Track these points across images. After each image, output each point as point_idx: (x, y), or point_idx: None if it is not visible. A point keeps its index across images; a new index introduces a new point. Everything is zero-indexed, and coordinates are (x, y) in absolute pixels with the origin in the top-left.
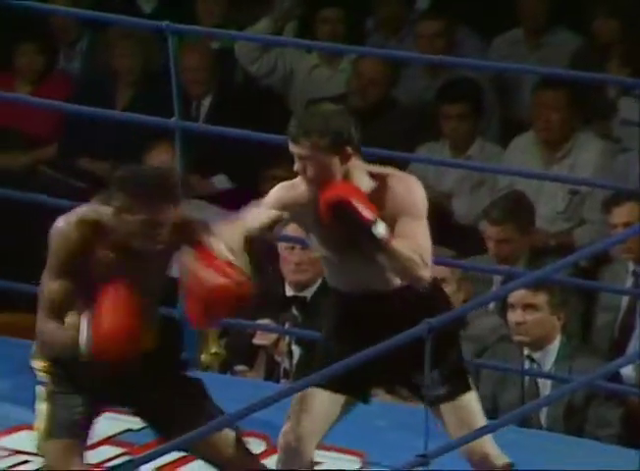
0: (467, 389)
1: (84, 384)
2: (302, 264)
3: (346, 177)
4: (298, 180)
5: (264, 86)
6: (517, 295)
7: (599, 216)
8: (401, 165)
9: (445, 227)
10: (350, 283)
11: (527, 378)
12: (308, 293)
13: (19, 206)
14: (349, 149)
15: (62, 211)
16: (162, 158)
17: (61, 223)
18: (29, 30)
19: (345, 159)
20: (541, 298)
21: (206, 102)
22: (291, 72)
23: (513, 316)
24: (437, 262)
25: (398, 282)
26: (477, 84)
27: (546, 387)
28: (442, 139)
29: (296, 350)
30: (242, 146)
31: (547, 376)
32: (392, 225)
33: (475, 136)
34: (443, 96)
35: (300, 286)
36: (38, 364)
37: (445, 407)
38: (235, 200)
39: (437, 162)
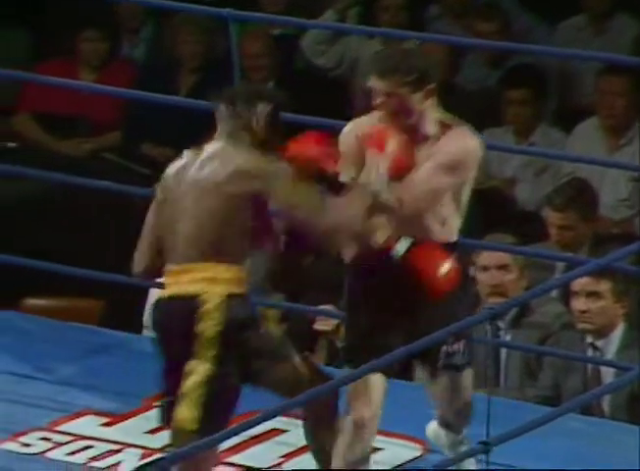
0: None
1: None
2: None
3: (420, 117)
4: (368, 117)
5: (325, 74)
6: (581, 283)
7: None
8: None
9: (508, 213)
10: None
11: (590, 366)
12: None
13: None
14: (431, 87)
15: (125, 197)
16: None
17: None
18: (93, 17)
19: (426, 97)
20: (604, 286)
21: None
22: (356, 59)
23: (577, 304)
24: (500, 249)
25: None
26: (540, 70)
27: (609, 374)
28: (505, 125)
29: None
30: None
31: (610, 364)
32: None
33: (538, 122)
34: (506, 81)
35: None
36: None
37: (452, 376)
38: None
39: (500, 148)
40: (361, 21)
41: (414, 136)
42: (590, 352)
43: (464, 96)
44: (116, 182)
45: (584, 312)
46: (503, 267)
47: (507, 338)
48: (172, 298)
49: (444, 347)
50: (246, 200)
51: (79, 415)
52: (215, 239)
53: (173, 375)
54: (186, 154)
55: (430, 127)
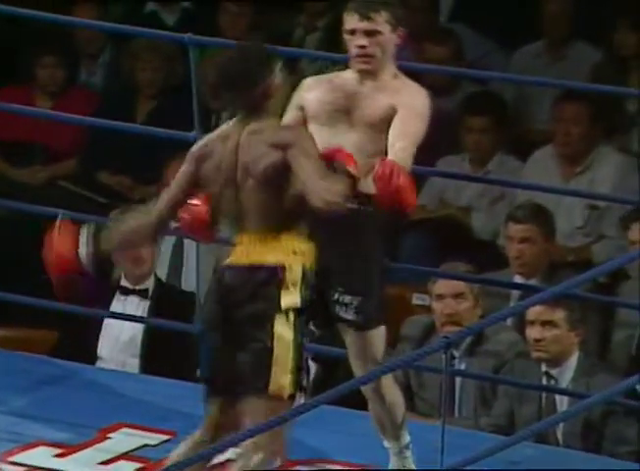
0: (379, 323)
1: None
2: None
3: (389, 60)
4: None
5: None
6: (536, 312)
7: (617, 231)
8: (421, 178)
9: (463, 241)
10: None
11: (544, 394)
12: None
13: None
14: (402, 31)
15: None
16: None
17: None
18: (50, 43)
19: (399, 40)
20: (559, 315)
21: (226, 115)
22: None
23: (532, 332)
24: (454, 277)
25: None
26: (501, 97)
27: (563, 403)
28: (462, 153)
29: (313, 366)
30: None
31: (564, 392)
32: (391, 114)
33: (496, 150)
34: (466, 108)
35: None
36: None
37: (354, 335)
38: None
39: (457, 176)
40: (322, 47)
41: (377, 79)
42: (545, 381)
43: None
44: (72, 210)
45: (539, 341)
46: (458, 295)
47: (462, 366)
48: (251, 265)
49: (333, 294)
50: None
51: (32, 446)
52: (282, 212)
53: (228, 348)
54: (225, 127)
55: (391, 72)
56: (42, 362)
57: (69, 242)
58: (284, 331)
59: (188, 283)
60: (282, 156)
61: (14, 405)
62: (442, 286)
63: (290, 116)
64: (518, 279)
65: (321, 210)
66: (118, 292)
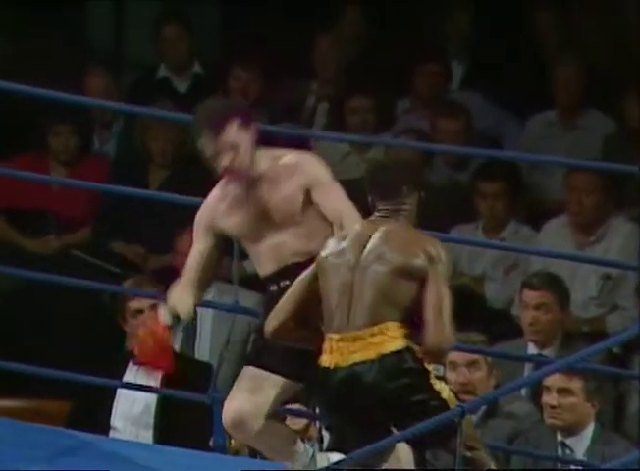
0: None
1: None
2: None
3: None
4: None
5: None
6: (553, 378)
7: (631, 302)
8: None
9: (477, 310)
10: None
11: (560, 464)
12: None
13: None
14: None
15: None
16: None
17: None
18: (63, 111)
19: (253, 130)
20: (576, 383)
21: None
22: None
23: (548, 399)
24: (469, 349)
25: None
26: (514, 164)
27: None
28: (475, 221)
29: (327, 435)
30: None
31: (580, 463)
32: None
33: (510, 218)
34: (480, 174)
35: None
36: None
37: None
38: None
39: (471, 242)
40: (329, 119)
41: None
42: (560, 450)
43: (434, 191)
44: (85, 280)
45: (554, 408)
46: (471, 364)
47: None
48: (381, 357)
49: None
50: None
51: None
52: (395, 307)
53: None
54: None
55: (267, 157)
56: (57, 433)
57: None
58: (440, 386)
59: (202, 352)
60: (426, 265)
61: None
62: (455, 354)
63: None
64: (532, 347)
65: (428, 347)
66: (130, 363)
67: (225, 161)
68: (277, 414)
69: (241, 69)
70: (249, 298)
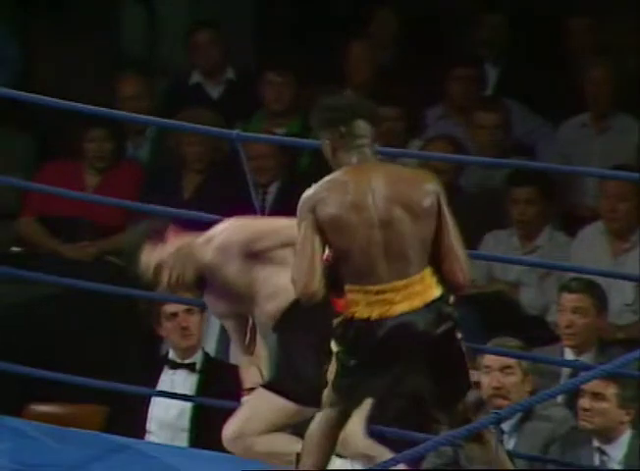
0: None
1: None
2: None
3: None
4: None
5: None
6: (588, 383)
7: None
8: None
9: (512, 317)
10: None
11: None
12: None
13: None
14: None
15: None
16: None
17: None
18: (98, 116)
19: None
20: (611, 390)
21: (272, 189)
22: None
23: (582, 402)
24: (505, 353)
25: None
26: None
27: None
28: (509, 228)
29: None
30: None
31: (616, 470)
32: None
33: (544, 224)
34: (511, 180)
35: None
36: None
37: None
38: None
39: (500, 259)
40: None
41: None
42: (597, 456)
43: (468, 198)
44: (120, 286)
45: (586, 411)
46: (505, 368)
47: (511, 441)
48: (426, 305)
49: None
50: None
51: None
52: (424, 252)
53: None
54: (348, 180)
55: None
56: (93, 437)
57: None
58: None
59: (236, 357)
60: (435, 200)
61: None
62: (490, 358)
63: None
64: (569, 353)
65: (454, 281)
66: (166, 367)
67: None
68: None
69: (275, 74)
70: None
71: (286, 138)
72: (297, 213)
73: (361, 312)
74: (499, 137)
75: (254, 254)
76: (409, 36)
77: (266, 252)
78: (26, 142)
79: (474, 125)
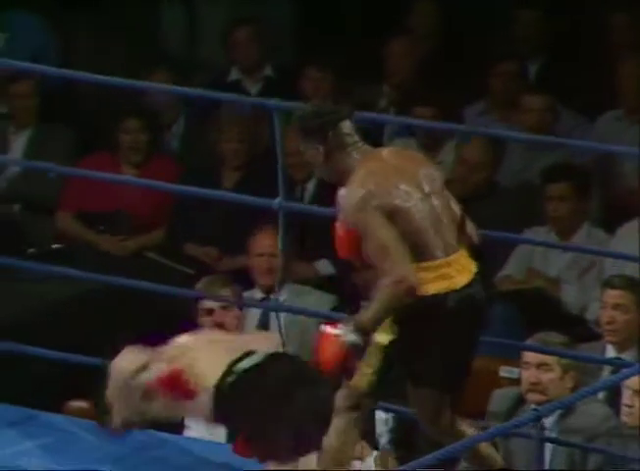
0: None
1: None
2: None
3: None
4: None
5: None
6: (632, 379)
7: None
8: (508, 248)
9: (552, 313)
10: None
11: None
12: None
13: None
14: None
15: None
16: (267, 242)
17: None
18: (133, 108)
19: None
20: None
21: (310, 185)
22: None
23: (624, 398)
24: (547, 351)
25: None
26: (582, 167)
27: None
28: (548, 225)
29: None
30: None
31: None
32: None
33: (581, 221)
34: (546, 176)
35: None
36: None
37: None
38: (337, 286)
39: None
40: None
41: None
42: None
43: (506, 194)
44: (158, 282)
45: (630, 407)
46: (542, 365)
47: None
48: (474, 275)
49: None
50: None
51: None
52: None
53: None
54: (376, 169)
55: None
56: (132, 433)
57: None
58: None
59: None
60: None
61: None
62: (529, 355)
63: None
64: (611, 350)
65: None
66: None
67: None
68: None
69: (315, 70)
70: (323, 300)
71: None
72: (354, 218)
73: (427, 288)
74: (547, 121)
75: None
76: (449, 32)
77: None
78: (69, 136)
79: (521, 109)
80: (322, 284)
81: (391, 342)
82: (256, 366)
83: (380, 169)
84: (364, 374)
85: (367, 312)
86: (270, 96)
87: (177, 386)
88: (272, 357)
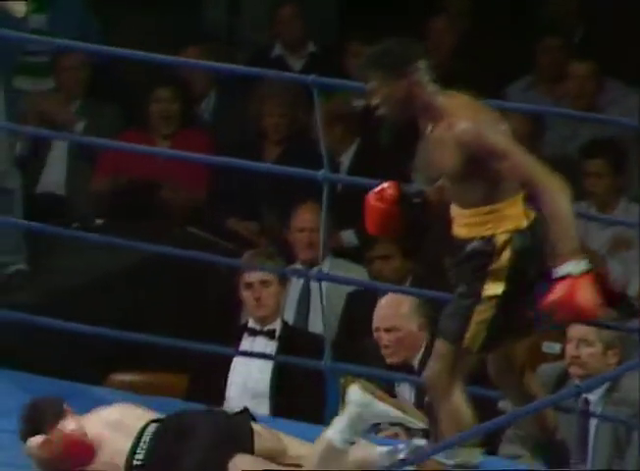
0: None
1: None
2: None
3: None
4: None
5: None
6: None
7: None
8: None
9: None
10: None
11: None
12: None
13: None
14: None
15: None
16: (308, 217)
17: None
18: (163, 75)
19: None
20: None
21: (345, 159)
22: None
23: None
24: (592, 324)
25: None
26: (619, 143)
27: None
28: (587, 200)
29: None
30: None
31: None
32: None
33: (618, 196)
34: (584, 152)
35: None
36: None
37: None
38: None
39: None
40: None
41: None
42: None
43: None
44: (200, 256)
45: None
46: (582, 340)
47: (598, 411)
48: None
49: None
50: None
51: None
52: None
53: None
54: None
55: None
56: (175, 405)
57: None
58: None
59: (315, 325)
60: None
61: None
62: (572, 329)
63: None
64: None
65: None
66: (246, 334)
67: None
68: None
69: (359, 45)
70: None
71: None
72: (477, 142)
73: (530, 217)
74: (590, 89)
75: None
76: (485, 9)
77: None
78: (114, 111)
79: (566, 78)
80: (347, 254)
81: (504, 293)
82: None
83: (479, 108)
84: (477, 331)
85: (563, 237)
86: (313, 72)
87: None
88: None
